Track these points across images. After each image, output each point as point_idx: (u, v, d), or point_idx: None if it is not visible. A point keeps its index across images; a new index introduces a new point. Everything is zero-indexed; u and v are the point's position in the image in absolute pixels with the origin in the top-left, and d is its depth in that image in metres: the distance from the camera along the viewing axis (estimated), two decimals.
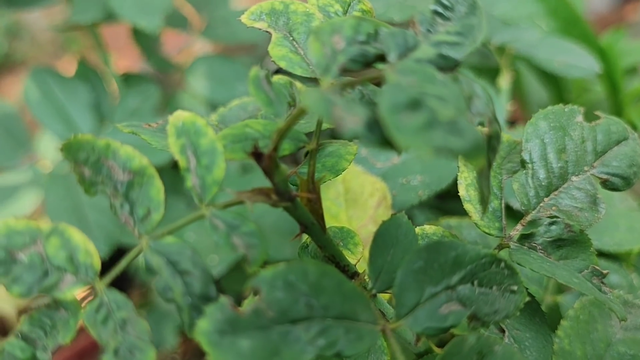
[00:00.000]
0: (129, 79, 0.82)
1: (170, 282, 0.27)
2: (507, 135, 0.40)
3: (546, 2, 0.77)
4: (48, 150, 0.81)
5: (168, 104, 0.82)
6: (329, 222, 0.40)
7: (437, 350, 0.37)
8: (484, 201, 0.26)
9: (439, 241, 0.30)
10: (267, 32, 0.34)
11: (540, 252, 0.36)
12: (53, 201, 0.69)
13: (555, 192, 0.38)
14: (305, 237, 0.35)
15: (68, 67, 1.38)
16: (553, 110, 0.39)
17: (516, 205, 0.42)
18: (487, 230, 0.37)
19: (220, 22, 0.83)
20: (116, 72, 0.83)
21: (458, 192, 0.38)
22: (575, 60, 0.66)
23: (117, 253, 0.63)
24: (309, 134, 0.35)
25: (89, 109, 0.77)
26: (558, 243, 0.36)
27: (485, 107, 0.26)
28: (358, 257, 0.36)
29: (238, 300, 0.31)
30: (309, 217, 0.32)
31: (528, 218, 0.37)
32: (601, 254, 0.50)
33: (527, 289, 0.31)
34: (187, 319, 0.27)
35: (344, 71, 0.26)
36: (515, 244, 0.36)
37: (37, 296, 0.28)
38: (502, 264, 0.30)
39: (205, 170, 0.29)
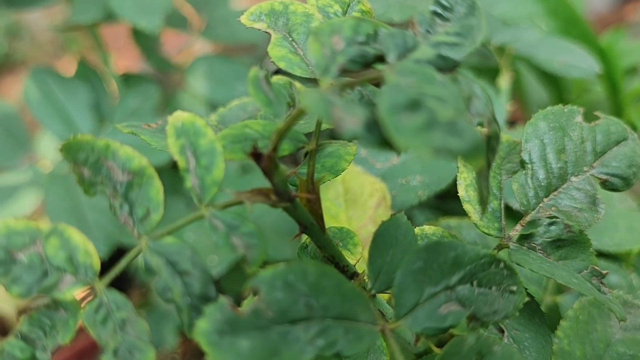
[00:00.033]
0: (128, 79, 0.82)
1: (169, 283, 0.27)
2: (506, 136, 0.40)
3: (546, 2, 0.77)
4: (48, 150, 0.81)
5: (168, 104, 0.82)
6: (329, 223, 0.40)
7: (436, 350, 0.37)
8: (483, 201, 0.26)
9: (439, 241, 0.30)
10: (266, 32, 0.34)
11: (540, 253, 0.36)
12: (53, 201, 0.70)
13: (555, 193, 0.38)
14: (304, 237, 0.35)
15: (68, 67, 1.38)
16: (552, 111, 0.39)
17: (516, 205, 0.42)
18: (486, 231, 0.37)
19: (220, 22, 0.83)
20: (116, 72, 0.83)
21: (458, 193, 0.38)
22: (575, 61, 0.66)
23: (117, 253, 0.63)
24: (308, 135, 0.35)
25: (89, 109, 0.77)
26: (557, 243, 0.36)
27: (485, 108, 0.26)
28: (357, 258, 0.36)
29: (238, 301, 0.31)
30: (309, 218, 0.32)
31: (527, 218, 0.37)
32: (601, 254, 0.50)
33: (526, 289, 0.32)
34: (187, 319, 0.27)
35: (344, 72, 0.26)
36: (515, 245, 0.36)
37: (37, 296, 0.28)
38: (502, 265, 0.30)
39: (205, 171, 0.29)
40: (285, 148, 0.33)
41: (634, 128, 0.69)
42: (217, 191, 0.29)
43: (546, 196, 0.37)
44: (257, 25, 0.35)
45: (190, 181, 0.29)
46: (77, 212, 0.69)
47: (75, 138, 0.30)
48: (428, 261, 0.29)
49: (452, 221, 0.49)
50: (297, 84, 0.36)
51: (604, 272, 0.35)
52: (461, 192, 0.38)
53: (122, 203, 0.29)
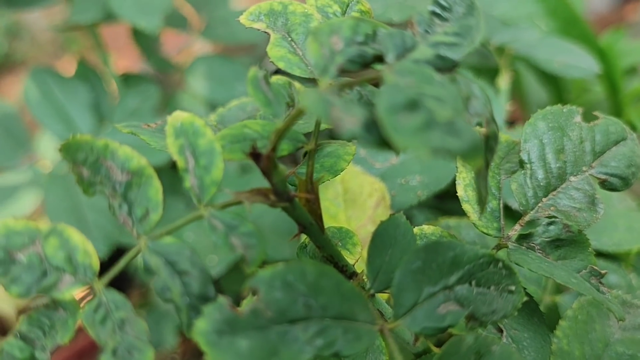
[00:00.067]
0: (128, 79, 0.82)
1: (168, 283, 0.28)
2: (505, 136, 0.40)
3: (545, 2, 0.77)
4: (48, 150, 0.82)
5: (168, 104, 0.82)
6: (328, 222, 0.40)
7: (435, 350, 0.37)
8: (481, 201, 0.26)
9: (437, 241, 0.30)
10: (265, 32, 0.35)
11: (539, 252, 0.36)
12: (52, 201, 0.70)
13: (554, 193, 0.38)
14: (304, 237, 0.35)
15: (68, 67, 1.38)
16: (551, 111, 0.39)
17: (515, 205, 0.42)
18: (485, 231, 0.37)
19: (219, 22, 0.83)
20: (116, 72, 0.83)
21: (457, 193, 0.38)
22: (574, 61, 0.66)
23: (117, 253, 0.63)
24: (307, 134, 0.35)
25: (89, 109, 0.77)
26: (556, 243, 0.36)
27: (483, 108, 0.26)
28: (356, 257, 0.36)
29: (238, 301, 0.31)
30: (308, 218, 0.32)
31: (526, 218, 0.37)
32: (600, 254, 0.50)
33: (525, 289, 0.32)
34: (186, 319, 0.27)
35: (343, 72, 0.26)
36: (514, 244, 0.36)
37: (36, 296, 0.28)
38: (500, 264, 0.30)
39: (204, 171, 0.29)
40: (284, 148, 0.33)
41: (633, 128, 0.69)
42: (216, 191, 0.29)
43: (545, 196, 0.38)
44: (256, 26, 0.35)
45: (189, 181, 0.29)
46: (77, 212, 0.69)
47: (74, 138, 0.30)
48: (427, 261, 0.29)
49: (452, 221, 0.49)
50: (297, 84, 0.36)
51: (602, 271, 0.35)
52: (460, 192, 0.38)
53: (121, 203, 0.29)
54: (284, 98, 0.33)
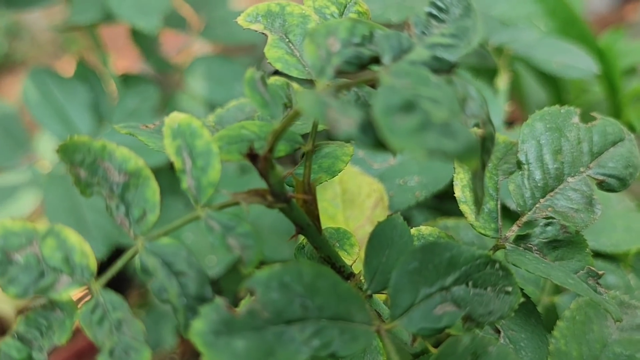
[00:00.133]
0: (127, 80, 0.82)
1: (165, 283, 0.28)
2: (503, 136, 0.40)
3: (545, 2, 0.77)
4: (47, 150, 0.82)
5: (167, 105, 0.82)
6: (327, 223, 0.40)
7: (433, 350, 0.37)
8: (478, 202, 0.26)
9: (434, 242, 0.30)
10: (263, 33, 0.35)
11: (536, 253, 0.36)
12: (52, 201, 0.70)
13: (551, 193, 0.38)
14: (301, 238, 0.35)
15: (67, 67, 1.38)
16: (549, 112, 0.39)
17: (512, 206, 0.42)
18: (482, 231, 0.37)
19: (219, 23, 0.84)
20: (115, 72, 0.83)
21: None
22: (573, 61, 0.66)
23: (116, 253, 0.63)
24: (305, 135, 0.35)
25: (88, 109, 0.77)
26: (554, 244, 0.36)
27: (480, 109, 0.26)
28: (354, 258, 0.36)
29: (236, 301, 0.32)
30: (305, 218, 0.32)
31: (524, 219, 0.37)
32: (598, 255, 0.50)
33: (522, 289, 0.32)
34: (183, 320, 0.27)
35: (340, 73, 0.26)
36: (511, 245, 0.36)
37: (34, 297, 0.28)
38: (497, 265, 0.30)
39: (201, 172, 0.29)
40: (282, 149, 0.33)
41: (632, 128, 0.69)
42: (213, 192, 0.29)
43: (543, 197, 0.38)
44: (254, 27, 0.35)
45: (187, 182, 0.29)
46: (76, 212, 0.69)
47: (72, 139, 0.30)
48: (423, 262, 0.29)
49: (450, 222, 0.49)
50: (295, 85, 0.36)
51: (600, 272, 0.35)
52: (457, 193, 0.38)
53: (119, 204, 0.29)
54: (281, 99, 0.33)
